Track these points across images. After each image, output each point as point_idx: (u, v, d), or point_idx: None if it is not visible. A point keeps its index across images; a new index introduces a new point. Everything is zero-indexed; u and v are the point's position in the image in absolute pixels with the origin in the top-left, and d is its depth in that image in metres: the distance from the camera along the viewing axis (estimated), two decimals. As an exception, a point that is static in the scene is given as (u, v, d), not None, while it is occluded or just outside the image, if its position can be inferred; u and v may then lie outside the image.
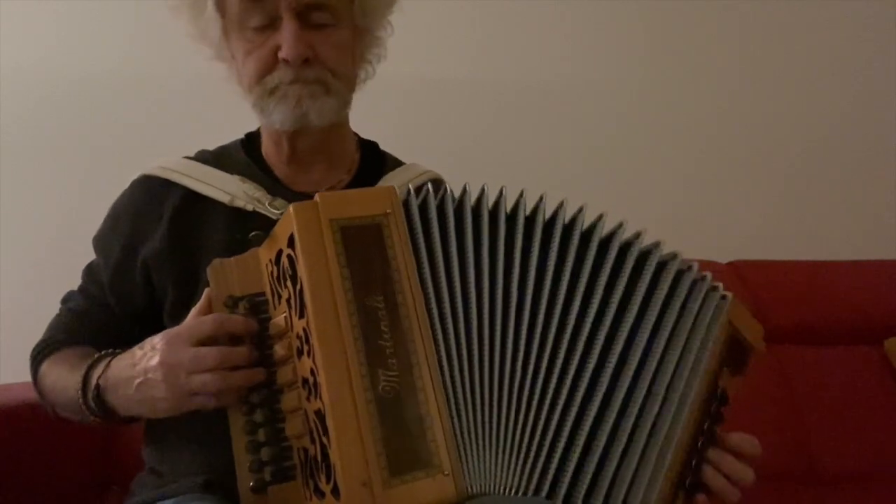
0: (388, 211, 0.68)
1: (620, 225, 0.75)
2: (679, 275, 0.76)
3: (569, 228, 0.74)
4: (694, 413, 0.74)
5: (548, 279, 0.71)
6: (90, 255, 0.95)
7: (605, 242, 0.74)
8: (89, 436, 1.19)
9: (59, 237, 1.53)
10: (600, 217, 0.75)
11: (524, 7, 1.78)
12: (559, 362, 0.70)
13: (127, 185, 0.94)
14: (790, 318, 1.55)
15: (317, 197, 0.66)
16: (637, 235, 0.76)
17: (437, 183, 1.00)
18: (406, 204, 0.69)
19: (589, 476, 0.69)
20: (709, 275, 0.79)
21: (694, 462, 0.74)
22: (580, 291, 0.72)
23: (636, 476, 0.71)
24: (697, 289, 0.77)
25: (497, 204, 0.72)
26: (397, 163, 1.01)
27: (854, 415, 1.44)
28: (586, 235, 0.74)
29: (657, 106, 1.83)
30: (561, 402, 0.69)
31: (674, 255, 0.77)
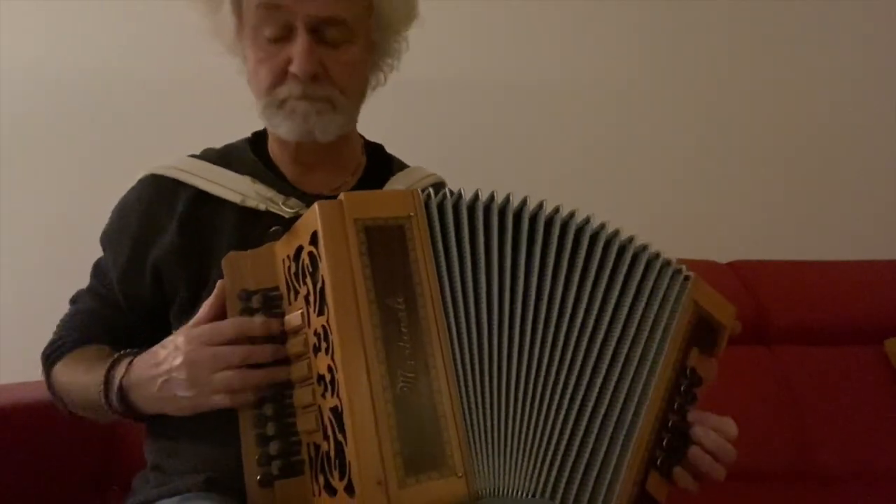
0: (411, 213, 0.69)
1: (603, 226, 0.77)
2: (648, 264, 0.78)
3: (564, 226, 0.75)
4: (661, 392, 0.75)
5: (550, 279, 0.73)
6: (90, 255, 0.95)
7: (593, 239, 0.76)
8: (89, 437, 1.19)
9: (57, 238, 1.53)
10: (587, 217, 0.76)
11: (520, 7, 1.78)
12: (566, 363, 0.72)
13: (126, 183, 0.94)
14: (790, 318, 1.55)
15: (341, 196, 0.67)
16: (627, 235, 0.77)
17: (439, 186, 1.01)
18: (427, 207, 0.70)
19: (581, 471, 0.70)
20: (673, 259, 0.79)
21: (665, 441, 0.74)
22: (586, 293, 0.74)
23: (606, 458, 0.72)
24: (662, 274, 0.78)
25: (504, 209, 0.73)
26: (402, 165, 1.02)
27: (854, 415, 1.44)
28: (577, 233, 0.76)
29: (657, 105, 1.83)
30: (566, 403, 0.71)
31: (643, 247, 0.78)
